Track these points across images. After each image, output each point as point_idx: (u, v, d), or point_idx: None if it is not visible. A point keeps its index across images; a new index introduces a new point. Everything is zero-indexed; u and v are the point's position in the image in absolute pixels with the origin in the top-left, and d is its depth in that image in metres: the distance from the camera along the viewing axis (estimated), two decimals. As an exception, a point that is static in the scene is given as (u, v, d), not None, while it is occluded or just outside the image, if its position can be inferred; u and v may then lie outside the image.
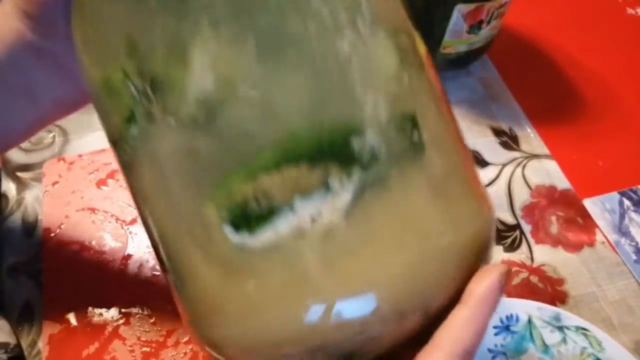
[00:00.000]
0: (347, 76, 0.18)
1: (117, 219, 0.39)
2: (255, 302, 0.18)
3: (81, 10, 0.20)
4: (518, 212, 0.43)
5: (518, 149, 0.47)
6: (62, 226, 0.39)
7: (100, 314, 0.35)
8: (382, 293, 0.18)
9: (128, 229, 0.39)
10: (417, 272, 0.18)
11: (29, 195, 0.40)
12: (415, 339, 0.19)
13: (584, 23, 0.59)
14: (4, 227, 0.38)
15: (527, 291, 0.39)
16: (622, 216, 0.44)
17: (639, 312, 0.38)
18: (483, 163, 0.46)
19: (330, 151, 0.17)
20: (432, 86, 0.21)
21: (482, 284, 0.19)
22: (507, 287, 0.39)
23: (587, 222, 0.43)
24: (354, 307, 0.18)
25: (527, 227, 0.42)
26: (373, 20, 0.19)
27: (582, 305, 0.38)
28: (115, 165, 0.42)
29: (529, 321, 0.35)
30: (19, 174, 0.41)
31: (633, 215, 0.44)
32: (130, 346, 0.34)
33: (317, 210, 0.17)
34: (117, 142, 0.20)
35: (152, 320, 0.35)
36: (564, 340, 0.34)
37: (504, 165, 0.46)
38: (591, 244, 0.42)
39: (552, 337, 0.34)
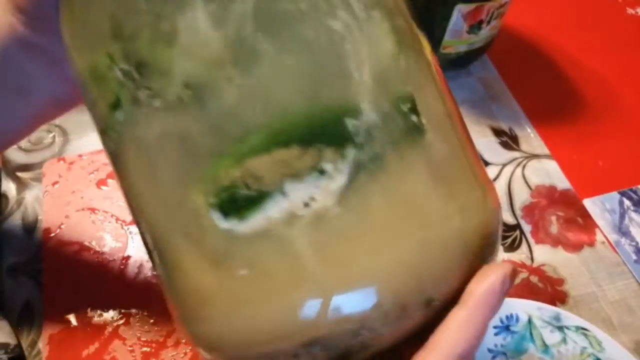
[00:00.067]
0: (340, 56, 0.17)
1: (117, 219, 0.39)
2: (246, 293, 0.17)
3: (68, 1, 0.20)
4: (518, 212, 0.43)
5: (518, 149, 0.47)
6: (62, 226, 0.39)
7: (100, 314, 0.35)
8: (383, 283, 0.17)
9: (128, 229, 0.39)
10: (420, 262, 0.17)
11: (29, 195, 0.40)
12: (416, 335, 0.19)
13: (584, 23, 0.59)
14: (4, 227, 0.38)
15: (527, 291, 0.39)
16: (622, 216, 0.44)
17: (639, 312, 0.38)
18: (483, 163, 0.46)
19: (323, 132, 0.17)
20: (432, 71, 0.20)
21: (482, 284, 0.18)
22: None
23: (587, 222, 0.43)
24: (351, 300, 0.17)
25: (527, 227, 0.42)
26: (368, 1, 0.18)
27: (582, 305, 0.38)
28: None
29: (529, 321, 0.35)
30: (19, 174, 0.41)
31: (633, 215, 0.44)
32: (130, 346, 0.34)
33: (310, 194, 0.17)
34: (104, 131, 0.20)
35: (152, 320, 0.35)
36: (564, 340, 0.34)
37: (504, 165, 0.46)
38: (591, 244, 0.42)
39: (552, 337, 0.34)
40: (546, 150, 0.47)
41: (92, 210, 0.40)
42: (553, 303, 0.38)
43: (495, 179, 0.45)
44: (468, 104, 0.50)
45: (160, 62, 0.17)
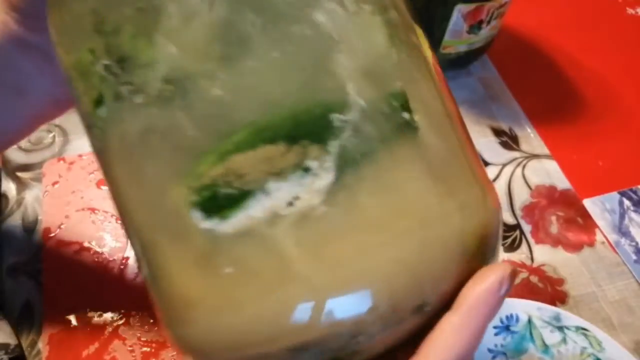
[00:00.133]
0: (328, 51, 0.17)
1: (117, 219, 0.39)
2: (230, 294, 0.17)
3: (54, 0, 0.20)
4: (518, 212, 0.43)
5: (518, 149, 0.47)
6: (62, 226, 0.39)
7: (100, 314, 0.35)
8: (379, 284, 0.16)
9: (128, 229, 0.39)
10: (420, 262, 0.17)
11: (29, 195, 0.40)
12: (410, 339, 0.18)
13: (584, 23, 0.59)
14: (4, 227, 0.38)
15: (527, 291, 0.39)
16: (622, 216, 0.44)
17: (639, 312, 0.38)
18: (483, 163, 0.46)
19: (309, 128, 0.16)
20: (429, 67, 0.20)
21: (480, 285, 0.18)
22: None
23: (587, 222, 0.43)
24: (344, 302, 0.16)
25: (527, 227, 0.42)
26: None
27: (582, 305, 0.38)
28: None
29: (529, 321, 0.35)
30: (19, 174, 0.41)
31: (633, 215, 0.44)
32: (130, 346, 0.34)
33: (294, 193, 0.16)
34: (89, 128, 0.19)
35: (152, 320, 0.35)
36: (564, 340, 0.34)
37: (504, 165, 0.46)
38: (591, 244, 0.42)
39: (552, 337, 0.34)
40: (546, 150, 0.47)
41: (92, 210, 0.40)
42: (553, 303, 0.38)
43: (495, 179, 0.45)
44: (468, 104, 0.50)
45: (141, 56, 0.17)
